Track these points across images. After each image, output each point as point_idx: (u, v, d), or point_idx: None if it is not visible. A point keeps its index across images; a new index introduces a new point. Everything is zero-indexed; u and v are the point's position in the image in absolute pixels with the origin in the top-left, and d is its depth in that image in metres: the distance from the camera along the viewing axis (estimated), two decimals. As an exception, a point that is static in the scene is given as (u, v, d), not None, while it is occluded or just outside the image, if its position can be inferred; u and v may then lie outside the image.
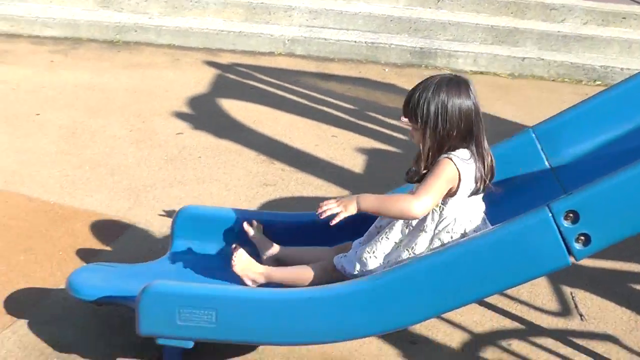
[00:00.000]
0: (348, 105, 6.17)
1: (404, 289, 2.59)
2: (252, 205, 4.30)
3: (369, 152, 5.23)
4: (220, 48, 7.45)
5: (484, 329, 3.33)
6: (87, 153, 4.90)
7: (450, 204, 2.76)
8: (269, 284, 2.96)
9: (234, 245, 3.03)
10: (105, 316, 3.21)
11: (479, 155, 2.76)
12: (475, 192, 2.77)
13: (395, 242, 2.85)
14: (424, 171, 2.76)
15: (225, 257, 3.09)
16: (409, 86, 6.47)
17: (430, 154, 2.76)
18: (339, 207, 2.73)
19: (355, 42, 7.51)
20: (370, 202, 2.76)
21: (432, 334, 3.26)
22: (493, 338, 3.27)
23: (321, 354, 3.08)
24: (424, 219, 2.78)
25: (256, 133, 5.44)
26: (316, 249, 3.14)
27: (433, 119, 2.70)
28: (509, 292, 3.57)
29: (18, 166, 4.64)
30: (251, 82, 6.60)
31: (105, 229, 3.95)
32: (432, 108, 2.69)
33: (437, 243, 2.78)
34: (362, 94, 6.50)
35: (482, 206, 2.85)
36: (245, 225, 3.17)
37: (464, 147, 2.75)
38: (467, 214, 2.78)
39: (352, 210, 2.72)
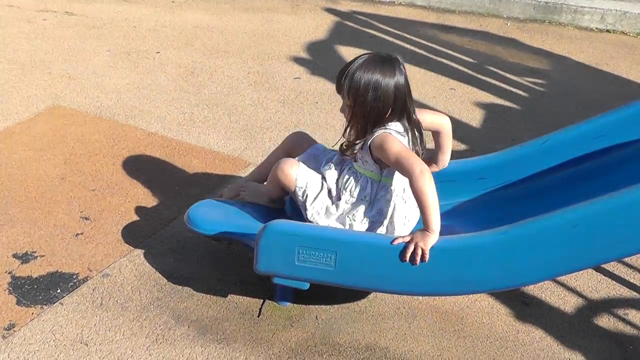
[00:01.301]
0: (467, 59, 6.01)
1: (532, 244, 2.50)
2: (367, 153, 4.24)
3: (487, 107, 5.08)
4: (340, -5, 7.37)
5: (599, 295, 3.21)
6: (204, 92, 4.93)
7: (386, 173, 2.84)
8: (278, 198, 3.09)
9: (241, 183, 3.21)
10: (219, 252, 3.24)
11: (412, 128, 2.81)
12: None
13: (344, 210, 2.88)
14: (358, 142, 2.80)
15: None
16: (530, 42, 6.34)
17: (364, 130, 2.78)
18: (419, 249, 2.54)
19: (477, -6, 7.30)
20: (434, 220, 2.58)
21: (546, 297, 3.16)
22: (609, 306, 3.15)
23: (432, 307, 3.03)
24: (364, 188, 2.86)
25: (373, 81, 5.35)
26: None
27: (369, 98, 2.70)
28: (628, 260, 3.43)
29: (138, 101, 4.71)
30: (370, 31, 6.50)
31: (220, 167, 3.97)
32: (367, 87, 2.69)
33: (374, 211, 2.85)
34: (483, 48, 6.31)
35: None
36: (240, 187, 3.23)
37: (397, 121, 2.78)
38: (402, 182, 2.82)
39: (432, 242, 2.56)
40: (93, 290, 3.01)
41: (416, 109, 2.88)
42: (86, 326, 2.82)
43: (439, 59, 5.97)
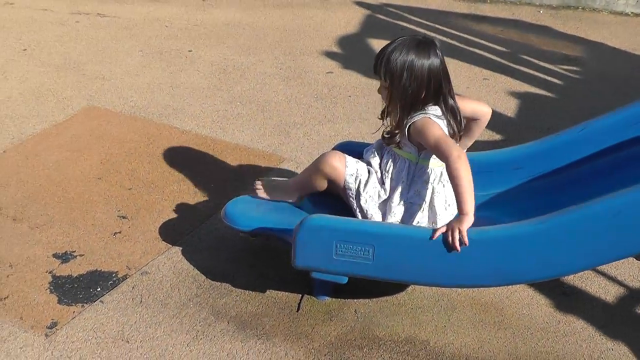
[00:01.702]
0: (500, 48, 5.95)
1: (571, 234, 2.48)
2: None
3: (522, 96, 5.03)
4: (370, -12, 7.34)
5: (642, 284, 3.17)
6: (237, 89, 4.95)
7: (423, 156, 2.85)
8: (300, 196, 3.10)
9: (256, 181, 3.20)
10: (257, 247, 3.25)
11: (449, 112, 2.82)
12: None
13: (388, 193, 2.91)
14: (398, 130, 2.83)
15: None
16: (564, 29, 6.27)
17: (402, 112, 2.80)
18: (457, 235, 2.55)
19: (509, -18, 7.22)
20: (469, 203, 2.61)
21: (586, 286, 3.13)
22: (653, 295, 3.11)
23: (470, 299, 3.02)
24: (402, 169, 2.88)
25: (406, 74, 5.33)
26: None
27: (404, 79, 2.73)
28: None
29: (172, 100, 4.74)
30: (401, 23, 6.47)
31: (255, 163, 3.98)
32: (403, 68, 2.72)
33: (412, 192, 2.86)
34: (515, 37, 6.25)
35: None
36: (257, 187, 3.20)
37: (435, 105, 2.80)
38: (440, 165, 2.82)
39: (468, 224, 2.58)
40: (132, 288, 3.03)
41: (459, 96, 2.90)
42: (127, 324, 2.84)
43: (471, 49, 5.92)
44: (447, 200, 2.86)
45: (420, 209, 2.84)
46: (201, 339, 2.78)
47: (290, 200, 3.11)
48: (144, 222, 3.46)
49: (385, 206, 2.87)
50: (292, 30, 6.14)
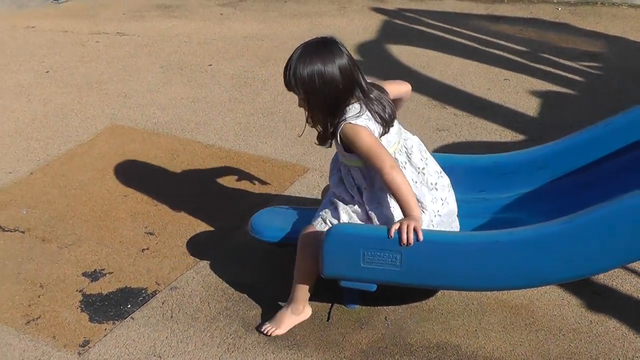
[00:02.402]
0: (519, 47, 5.94)
1: (599, 232, 2.45)
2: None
3: (543, 95, 5.01)
4: (386, -6, 7.35)
5: (677, 281, 3.14)
6: (259, 101, 4.97)
7: None
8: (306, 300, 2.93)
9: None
10: (284, 259, 3.25)
11: (367, 99, 2.74)
12: (384, 133, 2.76)
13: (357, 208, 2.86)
14: (330, 133, 2.75)
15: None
16: (583, 25, 6.23)
17: (325, 119, 2.73)
18: (411, 231, 2.56)
19: (525, -19, 7.20)
20: (413, 207, 2.62)
21: (617, 285, 3.09)
22: (685, 290, 3.08)
23: (500, 302, 3.00)
24: (358, 177, 2.83)
25: (427, 78, 5.33)
26: None
27: (317, 87, 2.65)
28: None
29: (194, 115, 4.77)
30: (419, 27, 6.47)
31: (280, 174, 3.99)
32: (312, 77, 2.65)
33: (378, 190, 2.79)
34: (534, 35, 6.23)
35: (396, 138, 2.84)
36: None
37: (352, 102, 2.72)
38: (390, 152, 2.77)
39: (419, 224, 2.58)
40: (162, 303, 3.05)
41: (377, 82, 2.87)
42: (158, 339, 2.86)
43: (490, 50, 5.91)
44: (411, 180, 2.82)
45: (391, 200, 2.79)
46: (233, 351, 2.79)
47: (301, 313, 2.95)
48: (171, 238, 3.47)
49: (367, 214, 2.83)
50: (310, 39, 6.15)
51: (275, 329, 2.87)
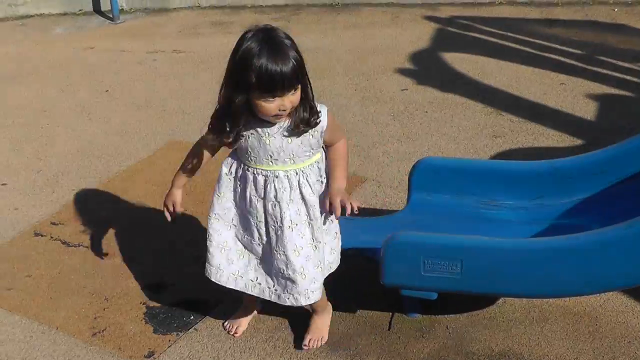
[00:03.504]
0: (576, 51, 5.87)
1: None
2: (482, 157, 4.20)
3: (601, 98, 4.94)
4: (439, 2, 7.32)
5: None
6: (314, 113, 4.99)
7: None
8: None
9: None
10: (341, 267, 3.26)
11: None
12: None
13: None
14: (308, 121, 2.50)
15: (464, 207, 3.03)
16: (642, 25, 6.08)
17: (309, 106, 2.51)
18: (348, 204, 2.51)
19: (580, -17, 7.12)
20: (344, 178, 2.62)
21: (684, 289, 3.04)
22: None
23: (563, 309, 2.97)
24: (320, 169, 2.66)
25: (481, 84, 5.31)
26: None
27: (304, 70, 2.46)
28: None
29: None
30: (473, 34, 6.44)
31: (337, 185, 4.01)
32: (302, 60, 2.43)
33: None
34: (590, 38, 6.15)
35: None
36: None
37: None
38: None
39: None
40: (225, 314, 3.08)
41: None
42: (221, 349, 2.89)
43: (546, 54, 5.85)
44: None
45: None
46: (295, 362, 2.82)
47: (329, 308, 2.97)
48: (232, 250, 3.51)
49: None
50: (365, 50, 6.18)
51: (320, 339, 2.88)
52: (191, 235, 3.65)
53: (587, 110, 4.78)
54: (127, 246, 3.62)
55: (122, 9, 7.85)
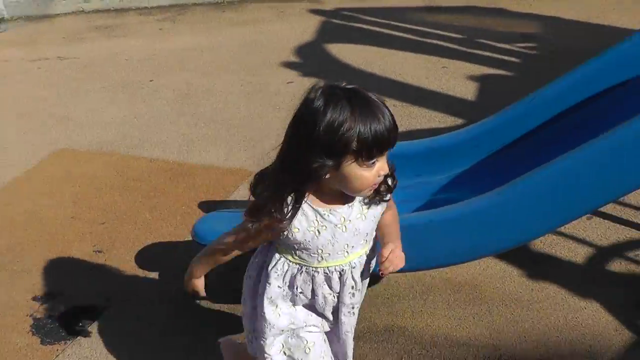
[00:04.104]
0: (457, 35, 6.03)
1: (527, 201, 2.50)
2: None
3: (481, 79, 5.09)
4: (323, -5, 7.42)
5: (609, 241, 3.22)
6: (201, 111, 4.99)
7: None
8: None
9: None
10: (231, 266, 3.27)
11: None
12: None
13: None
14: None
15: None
16: (518, 8, 6.33)
17: None
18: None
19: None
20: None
21: (555, 252, 3.18)
22: (620, 250, 3.16)
23: (445, 281, 3.05)
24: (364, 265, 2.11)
25: (367, 74, 5.39)
26: None
27: None
28: (634, 202, 3.43)
29: (137, 131, 4.78)
30: (358, 25, 6.54)
31: (224, 180, 4.02)
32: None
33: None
34: (471, 22, 6.33)
35: None
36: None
37: None
38: None
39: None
40: (113, 319, 3.04)
41: None
42: (113, 352, 2.86)
43: (428, 40, 5.99)
44: None
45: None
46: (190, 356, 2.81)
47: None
48: (120, 254, 3.48)
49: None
50: (251, 46, 6.20)
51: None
52: (81, 243, 3.60)
53: (468, 91, 4.91)
54: (13, 259, 3.53)
55: (3, 18, 7.69)
